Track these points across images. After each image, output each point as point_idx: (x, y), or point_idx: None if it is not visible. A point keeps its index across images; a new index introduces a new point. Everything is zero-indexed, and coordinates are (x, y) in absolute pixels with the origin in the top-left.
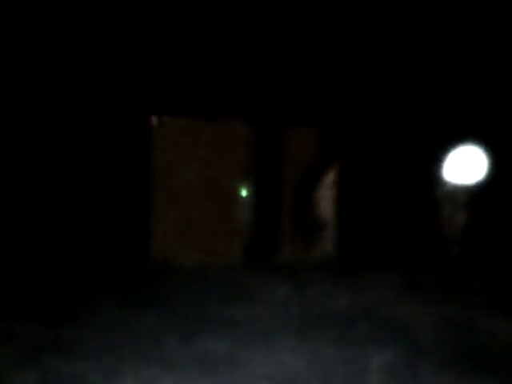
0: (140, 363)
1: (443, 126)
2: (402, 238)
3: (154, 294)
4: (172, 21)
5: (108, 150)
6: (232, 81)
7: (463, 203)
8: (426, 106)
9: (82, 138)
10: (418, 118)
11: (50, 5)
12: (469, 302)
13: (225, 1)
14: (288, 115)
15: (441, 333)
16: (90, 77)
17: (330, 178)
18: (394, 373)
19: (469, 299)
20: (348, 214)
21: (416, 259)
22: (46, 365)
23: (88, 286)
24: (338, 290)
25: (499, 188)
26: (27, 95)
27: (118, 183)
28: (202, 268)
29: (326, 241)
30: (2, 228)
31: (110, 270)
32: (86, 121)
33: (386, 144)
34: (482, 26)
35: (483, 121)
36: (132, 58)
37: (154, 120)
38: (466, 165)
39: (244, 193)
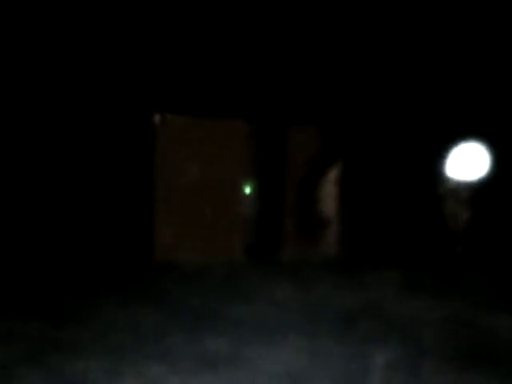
0: (142, 361)
1: (446, 124)
2: (405, 237)
3: (157, 293)
4: (175, 21)
5: (111, 148)
6: (236, 79)
7: (466, 200)
8: (428, 104)
9: (85, 137)
10: (421, 116)
11: (52, 4)
12: (470, 301)
13: (226, 0)
14: (291, 114)
15: (442, 331)
16: (92, 76)
17: (332, 176)
18: (395, 370)
19: (470, 298)
20: (351, 212)
21: (419, 257)
22: (49, 363)
23: (91, 286)
24: (340, 289)
25: (501, 185)
26: (30, 95)
27: (121, 182)
28: (204, 267)
29: (329, 239)
30: (4, 228)
31: (112, 269)
32: (89, 120)
33: (388, 142)
34: (483, 26)
35: (485, 118)
36: (135, 58)
37: (157, 118)
38: (468, 162)
39: (247, 190)
